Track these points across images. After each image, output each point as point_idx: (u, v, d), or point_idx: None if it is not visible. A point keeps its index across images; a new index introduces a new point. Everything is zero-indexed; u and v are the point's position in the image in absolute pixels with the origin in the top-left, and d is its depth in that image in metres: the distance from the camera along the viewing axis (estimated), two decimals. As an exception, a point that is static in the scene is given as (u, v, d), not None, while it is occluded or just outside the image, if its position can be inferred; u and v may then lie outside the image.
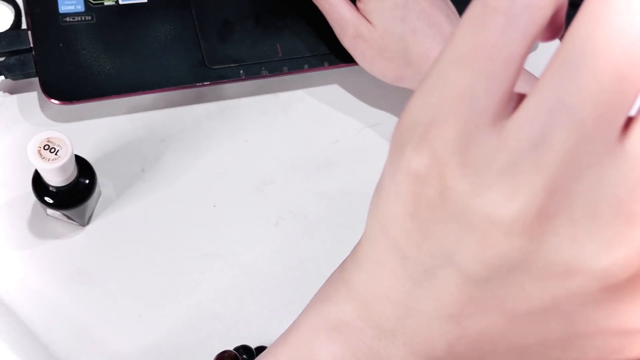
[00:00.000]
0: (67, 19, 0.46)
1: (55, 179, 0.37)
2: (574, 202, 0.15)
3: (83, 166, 0.40)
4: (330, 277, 0.23)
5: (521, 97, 0.16)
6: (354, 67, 0.49)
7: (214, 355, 0.30)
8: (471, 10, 0.16)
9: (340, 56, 0.49)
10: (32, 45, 0.45)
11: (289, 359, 0.23)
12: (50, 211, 0.42)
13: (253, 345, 0.31)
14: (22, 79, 0.45)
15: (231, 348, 0.33)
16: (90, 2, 0.47)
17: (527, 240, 0.16)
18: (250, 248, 0.46)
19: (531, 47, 0.16)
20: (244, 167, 0.48)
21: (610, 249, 0.15)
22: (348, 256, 0.22)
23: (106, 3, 0.48)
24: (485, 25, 0.16)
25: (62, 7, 0.46)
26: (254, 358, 0.26)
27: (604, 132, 0.15)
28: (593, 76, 0.14)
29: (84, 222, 0.44)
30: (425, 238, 0.18)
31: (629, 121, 0.15)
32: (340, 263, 0.23)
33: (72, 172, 0.38)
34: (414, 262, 0.18)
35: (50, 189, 0.39)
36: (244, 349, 0.31)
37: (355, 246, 0.22)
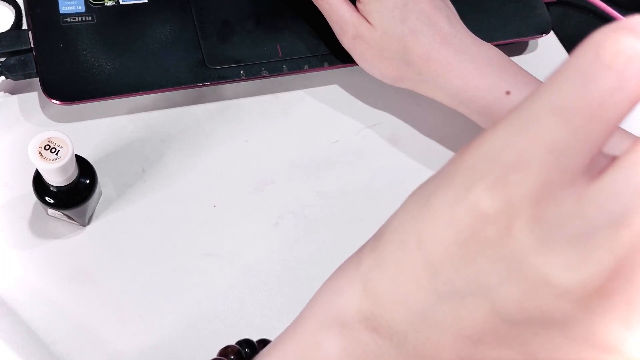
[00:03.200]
0: (68, 19, 0.46)
1: (56, 179, 0.37)
2: (636, 289, 0.15)
3: (84, 166, 0.40)
4: (342, 268, 0.23)
5: (606, 159, 0.16)
6: (354, 68, 0.49)
7: (217, 352, 0.30)
8: (580, 59, 0.15)
9: (340, 56, 0.49)
10: (32, 45, 0.45)
11: (295, 352, 0.23)
12: (50, 211, 0.42)
13: (255, 339, 0.31)
14: (22, 79, 0.45)
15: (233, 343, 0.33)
16: (90, 2, 0.47)
17: (576, 308, 0.15)
18: (250, 248, 0.46)
19: (629, 113, 0.15)
20: (244, 167, 0.48)
21: None
22: (365, 250, 0.22)
23: (107, 3, 0.48)
24: (595, 81, 0.15)
25: (63, 8, 0.46)
26: (257, 352, 0.26)
27: None
28: None
29: (84, 222, 0.44)
30: (466, 266, 0.17)
31: None
32: (350, 255, 0.23)
33: (72, 172, 0.38)
34: (445, 281, 0.18)
35: (51, 189, 0.39)
36: (246, 342, 0.31)
37: (375, 241, 0.21)
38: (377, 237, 0.21)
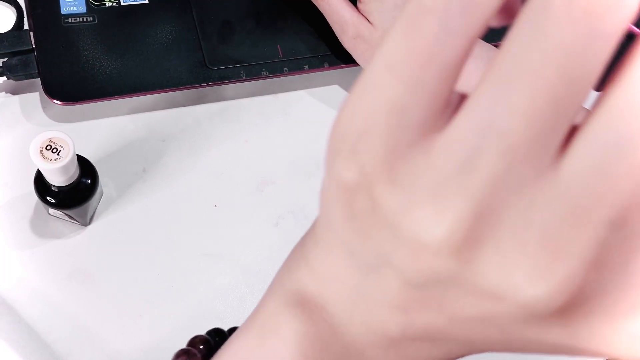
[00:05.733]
0: (69, 19, 0.46)
1: (57, 178, 0.38)
2: (502, 229, 0.15)
3: (85, 166, 0.41)
4: (292, 250, 0.23)
5: (462, 100, 0.15)
6: (354, 68, 0.49)
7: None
8: (406, 10, 0.15)
9: (340, 57, 0.49)
10: (34, 46, 0.45)
11: (257, 335, 0.23)
12: (52, 211, 0.42)
13: (226, 328, 0.32)
14: (24, 79, 0.45)
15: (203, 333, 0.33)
16: (91, 3, 0.47)
17: (455, 263, 0.15)
18: (250, 248, 0.46)
19: (471, 50, 0.14)
20: (244, 167, 0.48)
21: (534, 282, 0.14)
22: (309, 230, 0.22)
23: (108, 4, 0.48)
24: (419, 29, 0.14)
25: (64, 8, 0.47)
26: (226, 340, 0.26)
27: (535, 157, 0.14)
28: (527, 96, 0.13)
29: (85, 221, 0.44)
30: (365, 239, 0.17)
31: (566, 143, 0.14)
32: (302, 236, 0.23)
33: (74, 172, 0.38)
34: (360, 257, 0.18)
35: (52, 188, 0.39)
36: (215, 332, 0.32)
37: (315, 221, 0.21)
38: (316, 220, 0.21)
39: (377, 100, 0.15)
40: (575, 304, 0.15)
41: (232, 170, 0.48)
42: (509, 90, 0.14)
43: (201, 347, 0.30)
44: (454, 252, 0.15)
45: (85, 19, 0.47)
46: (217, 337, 0.31)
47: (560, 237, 0.14)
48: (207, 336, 0.31)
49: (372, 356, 0.20)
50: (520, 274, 0.15)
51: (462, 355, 0.20)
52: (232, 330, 0.34)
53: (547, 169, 0.14)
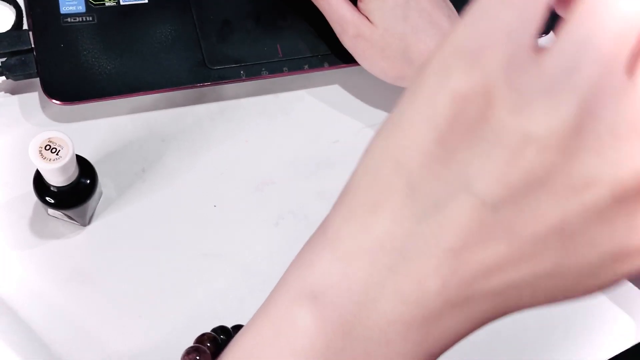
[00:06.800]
0: (68, 19, 0.46)
1: (56, 179, 0.37)
2: (600, 122, 0.18)
3: (84, 166, 0.40)
4: (309, 242, 0.23)
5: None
6: (355, 67, 0.49)
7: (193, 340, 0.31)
8: None
9: (340, 56, 0.49)
10: (33, 45, 0.45)
11: (270, 329, 0.23)
12: (51, 211, 0.42)
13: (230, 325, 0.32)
14: (23, 79, 0.45)
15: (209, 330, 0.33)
16: (91, 2, 0.47)
17: (559, 154, 0.18)
18: (250, 248, 0.46)
19: None
20: (244, 167, 0.48)
21: (627, 160, 0.18)
22: (329, 216, 0.22)
23: (107, 4, 0.48)
24: None
25: (63, 8, 0.46)
26: (232, 337, 0.26)
27: (619, 66, 0.18)
28: (612, 18, 0.18)
29: (84, 222, 0.44)
30: (446, 165, 0.19)
31: (635, 60, 0.18)
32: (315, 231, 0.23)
33: (73, 172, 0.38)
34: (425, 194, 0.19)
35: (52, 188, 0.39)
36: (221, 329, 0.32)
37: (338, 203, 0.22)
38: (342, 195, 0.22)
39: (492, 23, 0.18)
40: None
41: (232, 170, 0.48)
42: (599, 13, 0.18)
43: (209, 344, 0.30)
44: (562, 142, 0.18)
45: (84, 19, 0.47)
46: (223, 335, 0.31)
47: None
48: (214, 334, 0.31)
49: (394, 339, 0.20)
50: (616, 155, 0.18)
51: (491, 320, 0.20)
52: (237, 327, 0.34)
53: (625, 77, 0.18)
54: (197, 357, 0.28)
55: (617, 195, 0.18)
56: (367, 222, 0.20)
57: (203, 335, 0.31)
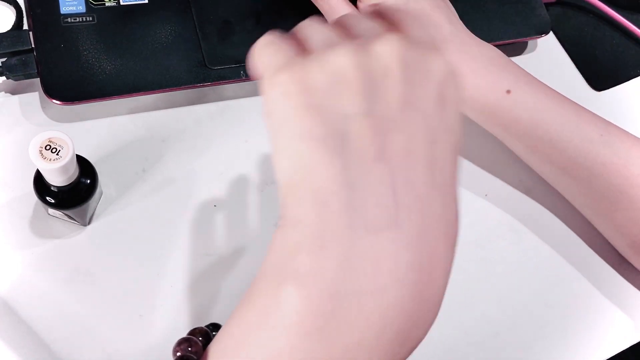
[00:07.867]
0: (69, 19, 0.46)
1: (56, 179, 0.37)
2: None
3: (84, 166, 0.41)
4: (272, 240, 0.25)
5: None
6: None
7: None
8: None
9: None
10: (33, 45, 0.45)
11: (255, 314, 0.23)
12: (51, 211, 0.42)
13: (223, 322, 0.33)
14: (23, 79, 0.45)
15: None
16: (91, 2, 0.47)
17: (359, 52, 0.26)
18: (250, 248, 0.46)
19: None
20: (244, 167, 0.48)
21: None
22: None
23: (107, 4, 0.48)
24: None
25: (64, 8, 0.47)
26: None
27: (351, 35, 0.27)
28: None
29: (85, 221, 0.44)
30: (321, 113, 0.24)
31: None
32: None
33: (73, 172, 0.38)
34: (328, 127, 0.24)
35: (52, 188, 0.39)
36: (213, 325, 0.33)
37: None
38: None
39: (276, 51, 0.27)
40: None
41: (232, 170, 0.48)
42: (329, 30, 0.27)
43: (200, 338, 0.31)
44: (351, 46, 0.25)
45: (84, 19, 0.47)
46: (215, 331, 0.32)
47: None
48: (206, 328, 0.32)
49: None
50: None
51: None
52: None
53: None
54: (189, 348, 0.29)
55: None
56: (304, 184, 0.27)
57: (195, 329, 0.32)
